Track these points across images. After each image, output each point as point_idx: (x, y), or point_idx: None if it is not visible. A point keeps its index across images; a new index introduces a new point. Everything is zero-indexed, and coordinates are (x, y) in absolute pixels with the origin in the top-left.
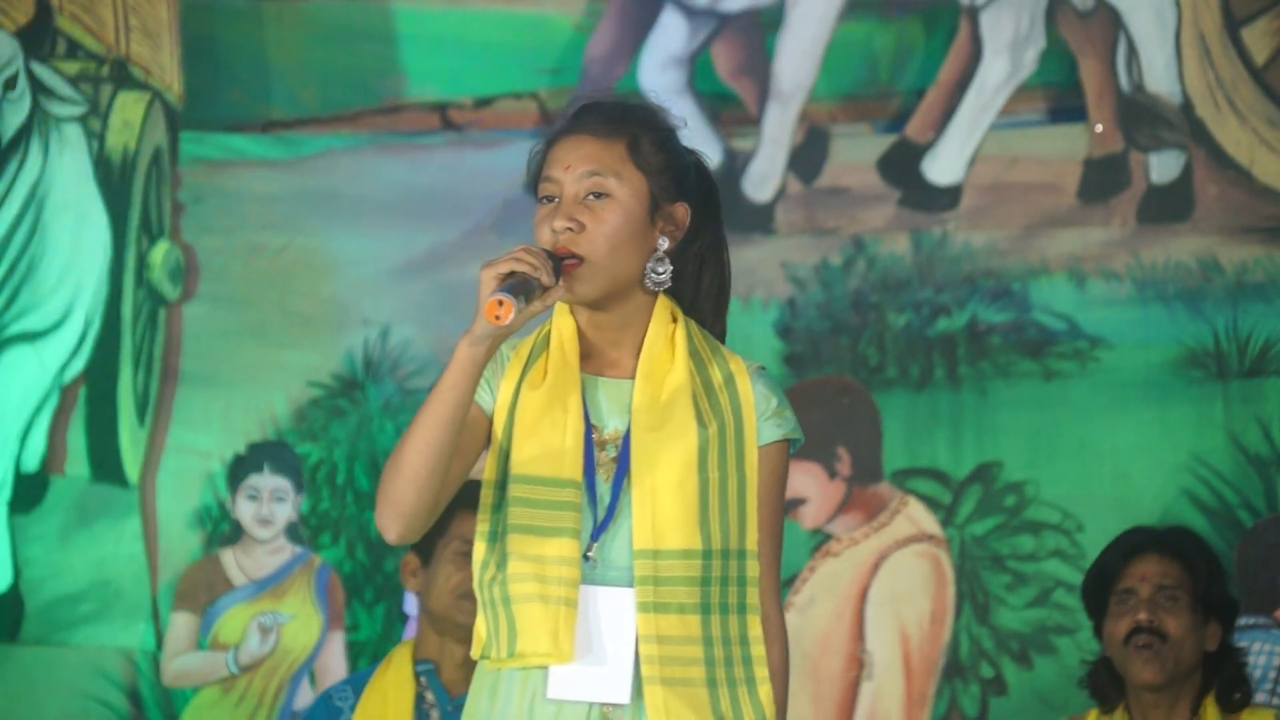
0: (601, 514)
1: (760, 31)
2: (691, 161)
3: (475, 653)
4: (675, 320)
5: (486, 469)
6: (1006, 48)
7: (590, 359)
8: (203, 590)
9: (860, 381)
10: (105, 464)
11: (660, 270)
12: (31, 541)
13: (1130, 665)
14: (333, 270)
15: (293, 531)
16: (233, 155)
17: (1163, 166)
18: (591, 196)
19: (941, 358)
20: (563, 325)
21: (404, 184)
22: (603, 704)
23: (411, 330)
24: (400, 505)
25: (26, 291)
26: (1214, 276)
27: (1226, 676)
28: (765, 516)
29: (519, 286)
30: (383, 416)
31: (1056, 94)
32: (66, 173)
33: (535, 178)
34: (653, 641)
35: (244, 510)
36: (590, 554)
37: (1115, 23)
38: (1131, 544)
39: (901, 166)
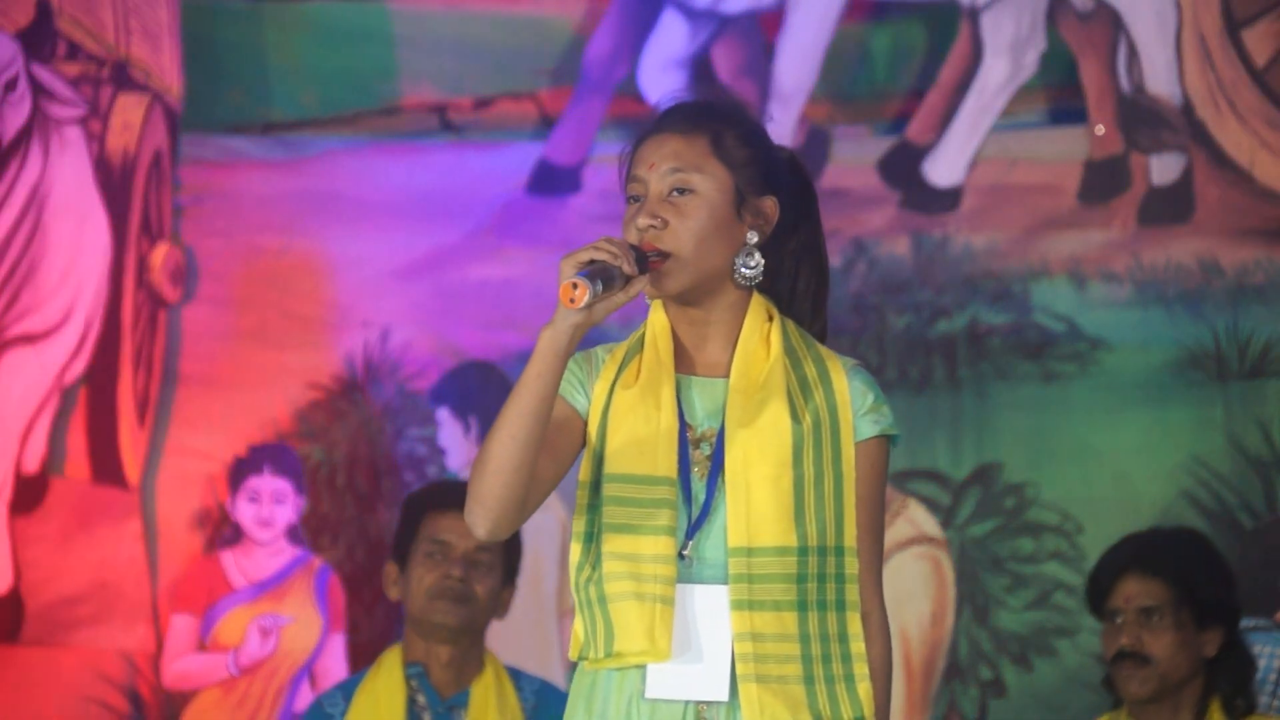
0: (696, 511)
1: (760, 33)
2: (783, 157)
3: (573, 654)
4: (771, 318)
5: (581, 471)
6: (1007, 49)
7: (684, 358)
8: (203, 592)
9: None
10: (105, 466)
11: (751, 264)
12: (32, 543)
13: (1117, 684)
14: (333, 272)
15: (293, 533)
16: (233, 157)
17: (1163, 168)
18: (675, 193)
19: (941, 359)
20: (657, 324)
21: (404, 185)
22: (699, 702)
23: (411, 332)
24: (487, 500)
25: (27, 293)
26: (1214, 278)
27: (1230, 682)
28: (864, 513)
29: (598, 272)
30: (382, 418)
31: (1057, 96)
32: (67, 175)
33: (624, 180)
34: (748, 639)
35: (244, 512)
36: (685, 552)
37: (1115, 24)
38: (1117, 561)
39: (902, 168)
